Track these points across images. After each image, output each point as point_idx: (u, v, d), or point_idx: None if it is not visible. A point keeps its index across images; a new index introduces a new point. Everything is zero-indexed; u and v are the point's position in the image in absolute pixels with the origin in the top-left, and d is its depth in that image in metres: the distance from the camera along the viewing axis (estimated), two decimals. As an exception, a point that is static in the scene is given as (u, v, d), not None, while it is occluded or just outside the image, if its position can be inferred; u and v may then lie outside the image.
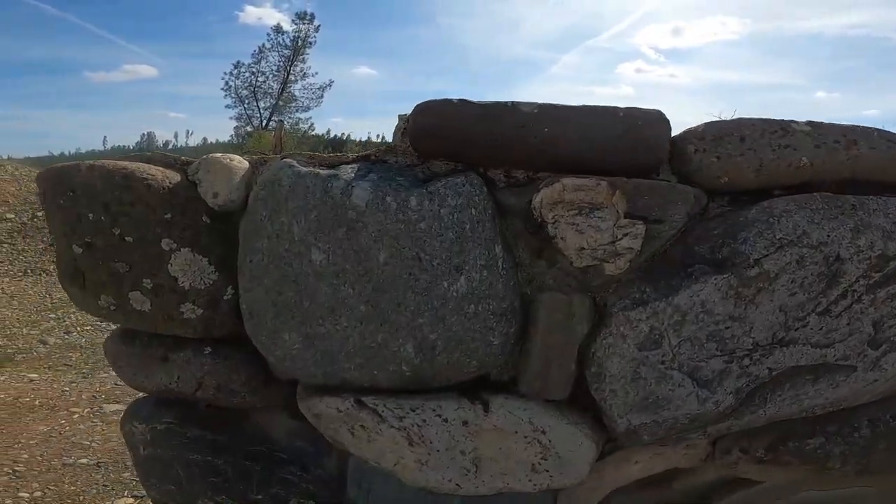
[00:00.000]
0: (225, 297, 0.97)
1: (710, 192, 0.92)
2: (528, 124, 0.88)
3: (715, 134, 0.88)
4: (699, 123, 0.93)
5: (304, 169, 0.91)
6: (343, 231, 0.88)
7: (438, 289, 0.88)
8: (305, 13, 17.88)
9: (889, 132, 0.92)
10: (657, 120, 0.88)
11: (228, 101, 17.80)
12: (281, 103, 17.70)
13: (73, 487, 2.28)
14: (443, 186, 0.89)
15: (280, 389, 1.06)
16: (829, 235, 0.86)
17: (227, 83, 17.65)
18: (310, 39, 17.54)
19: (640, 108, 0.89)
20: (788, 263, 0.86)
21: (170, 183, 0.94)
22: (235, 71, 17.63)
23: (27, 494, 2.21)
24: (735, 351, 0.91)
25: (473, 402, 0.98)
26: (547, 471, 1.03)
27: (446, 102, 0.90)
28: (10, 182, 6.61)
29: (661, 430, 0.98)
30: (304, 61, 17.80)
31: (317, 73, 18.11)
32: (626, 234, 0.87)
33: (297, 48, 17.35)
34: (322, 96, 18.03)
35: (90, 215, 0.93)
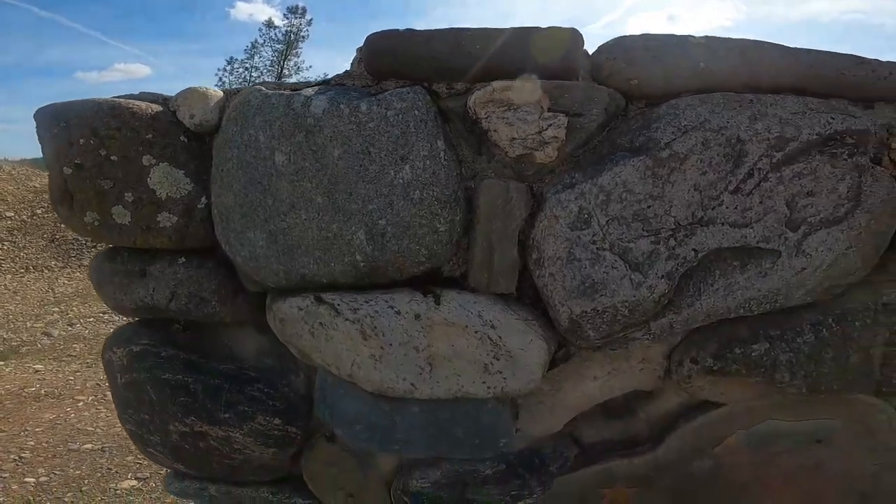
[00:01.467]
0: (199, 206, 1.09)
1: (628, 96, 1.06)
2: (462, 41, 1.03)
3: (624, 46, 1.04)
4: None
5: (271, 91, 1.06)
6: (303, 135, 1.02)
7: (386, 177, 1.01)
8: (297, 7, 18.65)
9: (783, 45, 1.07)
10: (571, 34, 1.04)
11: (222, 98, 18.44)
12: (275, 100, 18.38)
13: (77, 472, 2.34)
14: (390, 94, 1.03)
15: (249, 303, 1.15)
16: (728, 121, 0.99)
17: (220, 79, 18.22)
18: (302, 33, 18.18)
19: (559, 27, 1.04)
20: (695, 145, 0.98)
21: (152, 111, 1.09)
22: (229, 67, 18.20)
23: (33, 479, 2.28)
24: (660, 231, 1.00)
25: (426, 295, 1.06)
26: (500, 372, 1.09)
27: (396, 30, 1.07)
28: (7, 181, 6.92)
29: (603, 323, 1.05)
30: (297, 55, 18.37)
31: (311, 67, 18.68)
32: (550, 125, 1.00)
33: (289, 43, 17.99)
34: (316, 92, 18.65)
35: (80, 140, 1.08)
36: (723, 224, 1.00)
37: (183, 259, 1.11)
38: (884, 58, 1.07)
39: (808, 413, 1.34)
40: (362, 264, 1.04)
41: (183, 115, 1.09)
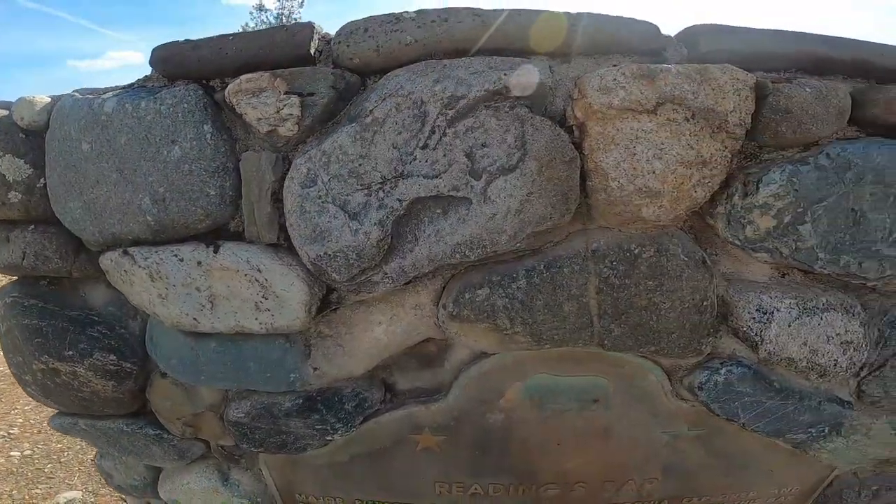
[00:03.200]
0: (38, 186, 1.45)
1: (362, 73, 1.32)
2: (224, 46, 1.34)
3: (348, 29, 1.30)
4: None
5: (80, 96, 1.41)
6: (99, 128, 1.36)
7: (161, 155, 1.33)
8: None
9: (479, 9, 1.28)
10: (303, 27, 1.32)
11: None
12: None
13: (59, 445, 2.79)
14: (164, 93, 1.36)
15: (92, 261, 1.49)
16: (416, 86, 1.23)
17: None
18: (294, 16, 18.64)
19: (297, 23, 1.33)
20: (391, 109, 1.24)
21: (-4, 116, 1.46)
22: None
23: (18, 453, 2.75)
24: (371, 185, 1.27)
25: (208, 246, 1.37)
26: (269, 310, 1.38)
27: (175, 41, 1.39)
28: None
29: (341, 266, 1.32)
30: None
31: None
32: (285, 105, 1.29)
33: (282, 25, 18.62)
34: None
35: (-55, 141, 1.46)
36: (418, 176, 1.25)
37: (32, 227, 1.48)
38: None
39: (575, 369, 1.48)
40: (153, 223, 1.37)
41: (16, 118, 1.45)
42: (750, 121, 1.20)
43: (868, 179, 1.21)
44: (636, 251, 1.30)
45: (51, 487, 2.58)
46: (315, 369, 1.52)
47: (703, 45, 1.29)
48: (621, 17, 1.29)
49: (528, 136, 1.21)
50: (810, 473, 1.72)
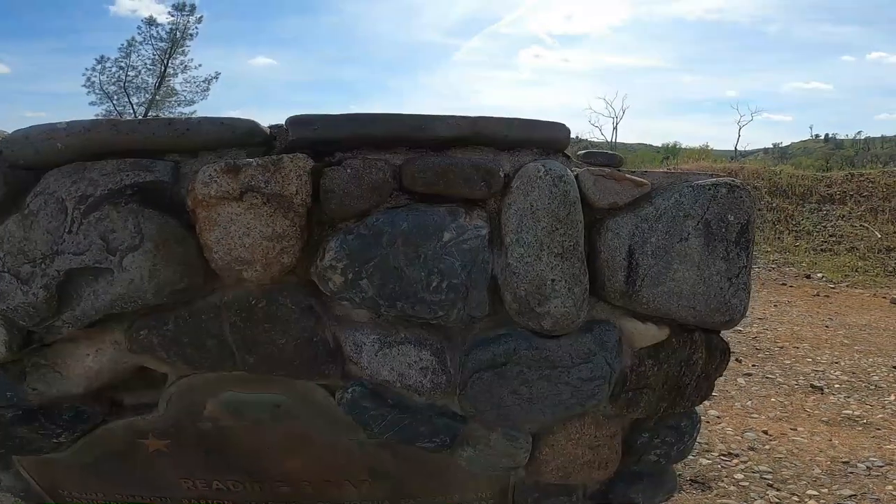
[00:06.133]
0: None
1: (28, 168, 1.77)
2: None
3: (13, 137, 1.74)
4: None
5: None
6: None
7: None
8: (184, 4, 19.04)
9: (120, 120, 1.74)
10: (-23, 131, 1.75)
11: (93, 97, 18.55)
12: (158, 98, 18.44)
13: None
14: None
15: None
16: (59, 187, 1.69)
17: (88, 79, 18.50)
18: (190, 31, 18.51)
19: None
20: (42, 204, 1.69)
21: None
22: (99, 66, 18.48)
23: None
24: (35, 260, 1.73)
25: None
26: (-24, 349, 1.85)
27: None
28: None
29: (24, 317, 1.76)
30: (184, 54, 18.66)
31: (200, 66, 19.20)
32: None
33: (174, 41, 18.32)
34: (208, 89, 18.97)
35: None
36: (68, 253, 1.72)
37: None
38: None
39: (258, 387, 1.88)
40: None
41: None
42: (310, 200, 1.70)
43: (400, 242, 1.72)
44: (253, 302, 1.81)
45: None
46: (34, 390, 1.99)
47: (292, 134, 1.75)
48: (231, 118, 1.74)
49: (142, 224, 1.69)
50: (492, 480, 2.14)
